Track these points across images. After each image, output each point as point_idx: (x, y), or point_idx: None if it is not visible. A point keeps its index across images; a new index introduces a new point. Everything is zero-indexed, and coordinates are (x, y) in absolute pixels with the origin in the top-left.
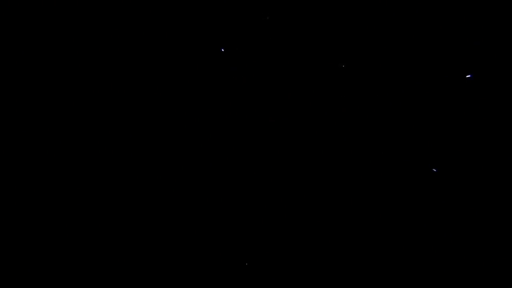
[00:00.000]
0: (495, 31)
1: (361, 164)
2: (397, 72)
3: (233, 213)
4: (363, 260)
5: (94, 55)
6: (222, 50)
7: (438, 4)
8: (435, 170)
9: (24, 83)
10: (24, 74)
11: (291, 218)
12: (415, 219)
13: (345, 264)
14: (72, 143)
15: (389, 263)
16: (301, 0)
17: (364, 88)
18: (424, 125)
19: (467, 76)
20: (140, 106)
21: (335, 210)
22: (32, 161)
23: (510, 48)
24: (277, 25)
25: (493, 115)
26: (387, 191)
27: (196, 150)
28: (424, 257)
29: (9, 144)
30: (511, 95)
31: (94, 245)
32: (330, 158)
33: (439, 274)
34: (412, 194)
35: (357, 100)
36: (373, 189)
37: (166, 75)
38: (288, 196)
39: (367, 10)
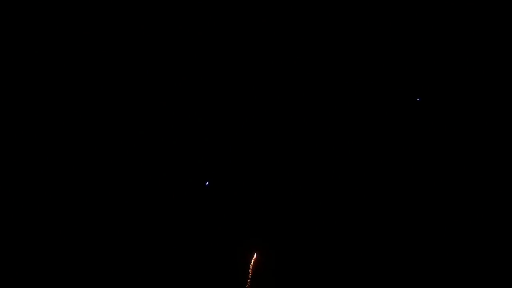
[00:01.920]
0: (495, 31)
1: (360, 165)
2: (395, 73)
3: (233, 213)
4: (363, 260)
5: (94, 55)
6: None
7: (437, 5)
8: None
9: (24, 83)
10: (24, 74)
11: (290, 218)
12: (415, 219)
13: (345, 264)
14: (71, 143)
15: (389, 263)
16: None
17: (363, 89)
18: (423, 126)
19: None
20: (140, 106)
21: (334, 210)
22: (32, 161)
23: (510, 48)
24: (276, 27)
25: (493, 116)
26: (387, 191)
27: (196, 150)
28: (424, 257)
29: (9, 144)
30: (510, 96)
31: (94, 245)
32: (329, 159)
33: (439, 274)
34: (411, 194)
35: (355, 101)
36: (372, 189)
37: (166, 75)
38: (288, 196)
39: (366, 11)
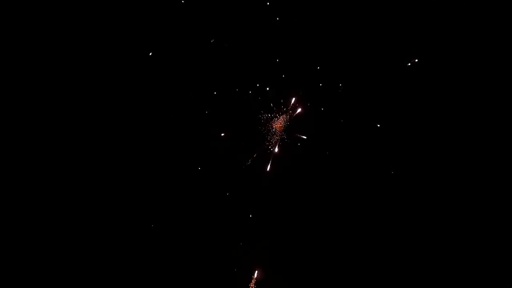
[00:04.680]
0: (495, 31)
1: (359, 166)
2: (395, 73)
3: (233, 214)
4: (362, 260)
5: (94, 55)
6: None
7: (437, 5)
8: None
9: (24, 83)
10: (24, 74)
11: (290, 219)
12: (415, 220)
13: (344, 264)
14: (71, 143)
15: (388, 263)
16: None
17: (365, 90)
18: (423, 126)
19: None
20: (140, 106)
21: (334, 211)
22: (32, 161)
23: (510, 48)
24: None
25: (492, 115)
26: (386, 192)
27: (195, 150)
28: (424, 257)
29: (9, 144)
30: (510, 96)
31: (94, 245)
32: (328, 160)
33: (439, 274)
34: (411, 195)
35: (355, 101)
36: (372, 190)
37: (166, 75)
38: (287, 197)
39: (366, 11)
